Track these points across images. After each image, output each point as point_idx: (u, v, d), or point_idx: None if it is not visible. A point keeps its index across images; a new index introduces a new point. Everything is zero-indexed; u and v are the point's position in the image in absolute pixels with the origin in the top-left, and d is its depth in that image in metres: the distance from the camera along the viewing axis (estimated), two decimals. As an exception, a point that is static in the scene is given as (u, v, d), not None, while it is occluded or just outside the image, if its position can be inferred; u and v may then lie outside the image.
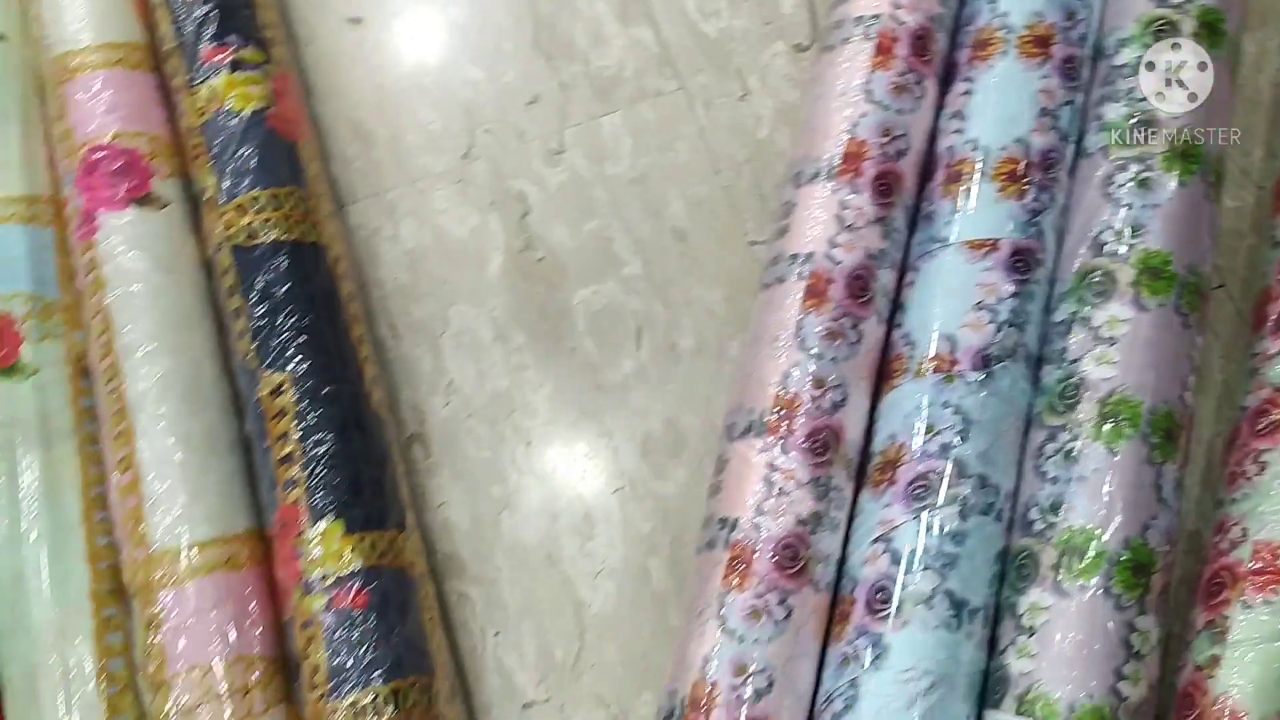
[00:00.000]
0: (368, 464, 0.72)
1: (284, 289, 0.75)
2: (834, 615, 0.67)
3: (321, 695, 0.66)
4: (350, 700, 0.65)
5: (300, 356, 0.73)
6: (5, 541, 0.71)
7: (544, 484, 0.78)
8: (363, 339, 0.77)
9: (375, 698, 0.65)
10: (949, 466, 0.65)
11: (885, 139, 0.73)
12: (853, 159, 0.72)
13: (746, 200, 0.82)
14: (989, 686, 0.64)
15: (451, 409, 0.80)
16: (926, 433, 0.66)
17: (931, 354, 0.68)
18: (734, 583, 0.65)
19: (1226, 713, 0.59)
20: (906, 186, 0.73)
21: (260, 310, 0.74)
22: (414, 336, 0.82)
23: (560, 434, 0.79)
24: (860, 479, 0.69)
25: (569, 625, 0.75)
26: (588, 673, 0.74)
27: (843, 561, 0.68)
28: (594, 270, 0.82)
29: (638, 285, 0.81)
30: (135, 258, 0.76)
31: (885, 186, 0.72)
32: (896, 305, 0.72)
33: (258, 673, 0.68)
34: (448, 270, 0.83)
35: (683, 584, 0.74)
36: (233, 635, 0.68)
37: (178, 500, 0.70)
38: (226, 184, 0.77)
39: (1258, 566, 0.61)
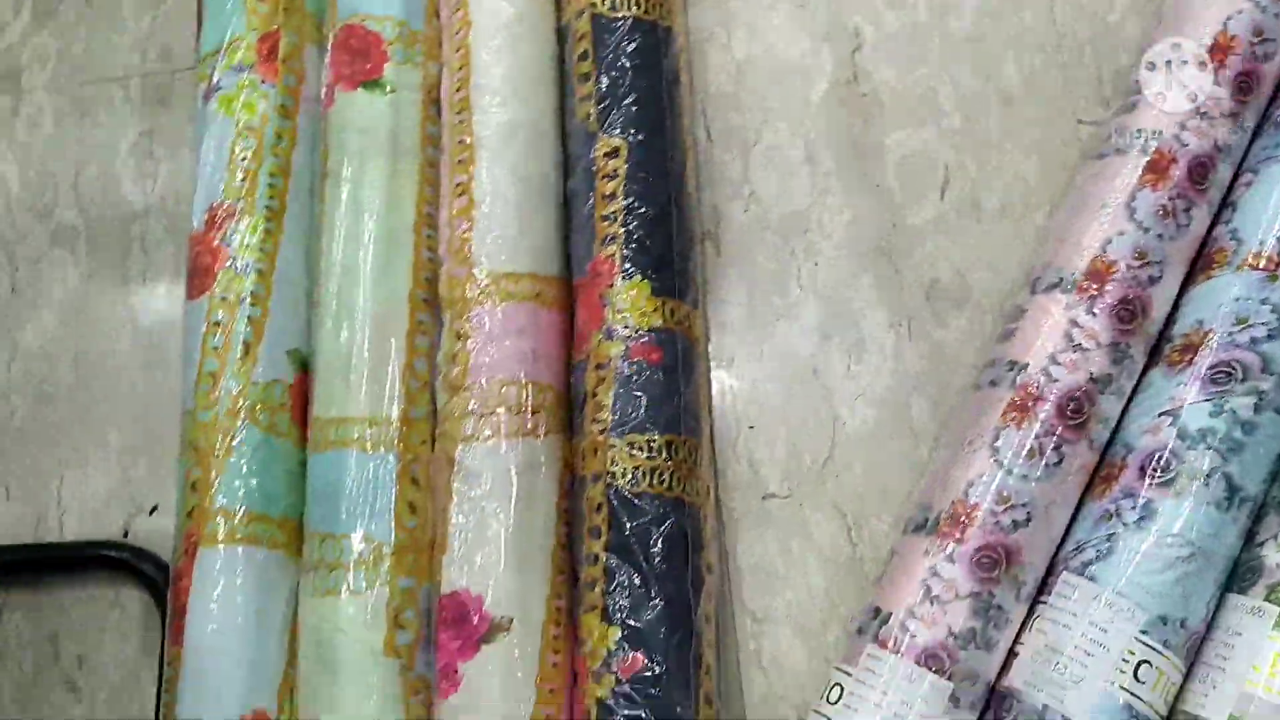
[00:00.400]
0: (680, 240, 0.76)
1: (634, 63, 0.79)
2: (1095, 477, 0.69)
3: (603, 430, 0.71)
4: (629, 439, 0.71)
5: (637, 128, 0.77)
6: (347, 236, 0.77)
7: (824, 304, 0.81)
8: (688, 130, 0.81)
9: (653, 442, 0.70)
10: (1255, 359, 0.66)
11: (1256, 39, 0.73)
12: (1220, 51, 0.72)
13: (1082, 79, 0.82)
14: (1237, 574, 0.66)
15: (749, 216, 0.84)
16: (1237, 324, 0.67)
17: (1258, 251, 0.69)
18: (1013, 420, 0.68)
19: None
20: (1264, 90, 0.73)
21: (608, 79, 0.78)
22: (726, 142, 0.86)
23: (849, 261, 0.82)
24: (1153, 357, 0.71)
25: (821, 436, 0.79)
26: (830, 481, 0.78)
27: (1115, 430, 0.70)
28: (914, 116, 0.84)
29: (954, 139, 0.83)
30: (501, 6, 0.81)
31: (1245, 84, 0.72)
32: (1225, 202, 0.73)
33: (546, 398, 0.74)
34: (771, 88, 0.86)
35: (941, 424, 0.77)
36: (530, 360, 0.74)
37: (505, 231, 0.76)
38: (596, -44, 0.81)
39: None
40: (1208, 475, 0.64)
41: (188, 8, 0.96)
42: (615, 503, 0.70)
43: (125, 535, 0.84)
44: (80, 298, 0.90)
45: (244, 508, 0.73)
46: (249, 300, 0.77)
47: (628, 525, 0.69)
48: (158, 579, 0.80)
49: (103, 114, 0.95)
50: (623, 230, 0.75)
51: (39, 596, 0.83)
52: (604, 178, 0.77)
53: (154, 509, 0.84)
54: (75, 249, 0.92)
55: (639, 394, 0.72)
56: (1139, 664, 0.62)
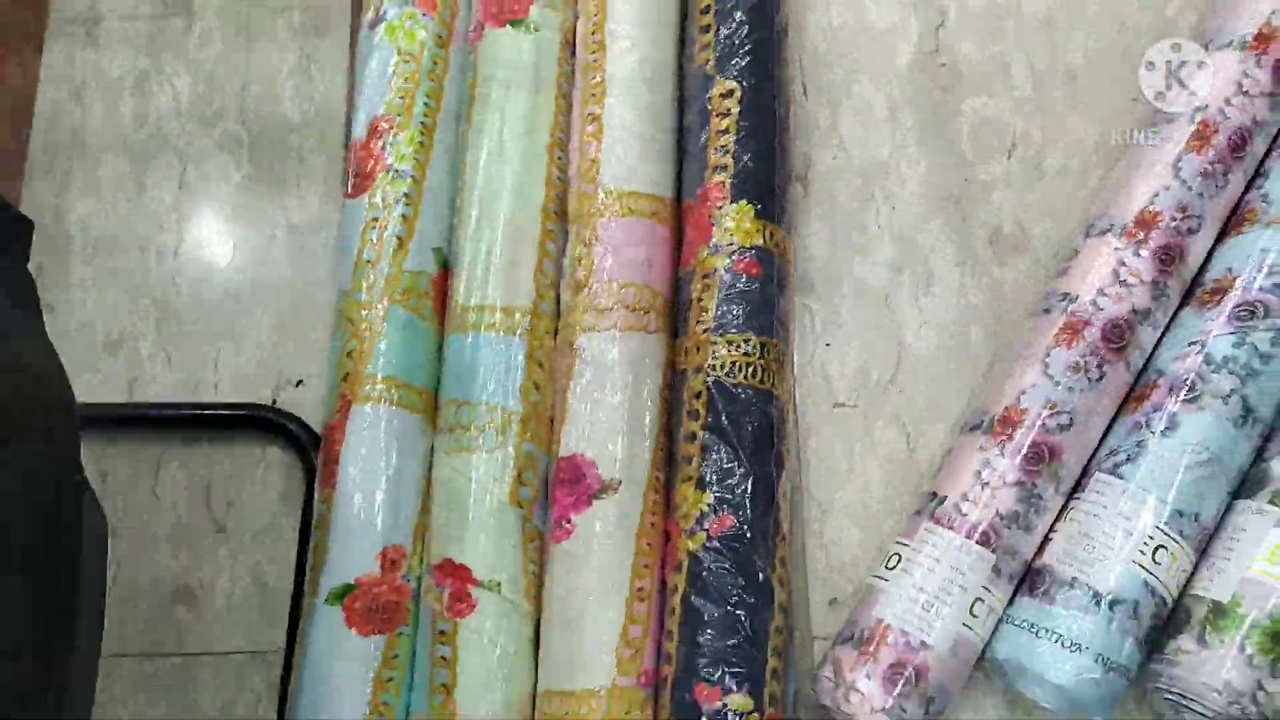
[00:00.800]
0: (780, 174, 0.86)
1: (749, 19, 0.89)
2: (1129, 397, 0.79)
3: (706, 329, 0.82)
4: (728, 338, 0.81)
5: (750, 73, 0.87)
6: (490, 153, 0.87)
7: (898, 242, 0.91)
8: (790, 81, 0.91)
9: (749, 341, 0.81)
10: (1275, 301, 0.76)
11: (1298, 30, 0.82)
12: (1264, 40, 0.82)
13: (1139, 62, 0.92)
14: (1246, 484, 0.75)
15: (836, 163, 0.94)
16: (1262, 271, 0.77)
17: (1286, 211, 0.78)
18: (1063, 340, 0.78)
19: None
20: (1303, 75, 0.83)
21: (726, 30, 0.88)
22: (819, 97, 0.96)
23: (922, 207, 0.92)
24: (1186, 299, 0.80)
25: (888, 356, 0.89)
26: (894, 397, 0.88)
27: (1149, 360, 0.80)
28: (988, 85, 0.94)
29: (1024, 107, 0.93)
30: (634, -39, 0.91)
31: (1286, 69, 0.82)
32: (1259, 171, 0.82)
33: (657, 301, 0.84)
34: (862, 51, 0.96)
35: (995, 352, 0.86)
36: (646, 268, 0.84)
37: (629, 157, 0.86)
38: (720, -75, 0.91)
39: None
40: (1227, 396, 0.74)
41: (346, -50, 1.07)
42: (714, 390, 0.80)
43: (273, 403, 0.94)
44: (240, 197, 1.01)
45: (392, 375, 0.84)
46: (403, 201, 0.87)
47: (724, 410, 0.80)
48: (303, 439, 0.91)
49: (266, 39, 1.06)
50: (733, 160, 0.85)
51: (195, 451, 0.94)
52: (719, 115, 0.87)
53: (299, 382, 0.95)
54: (238, 155, 1.03)
55: (739, 301, 0.82)
56: (1157, 548, 0.72)
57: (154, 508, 0.93)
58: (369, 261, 0.86)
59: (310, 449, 0.90)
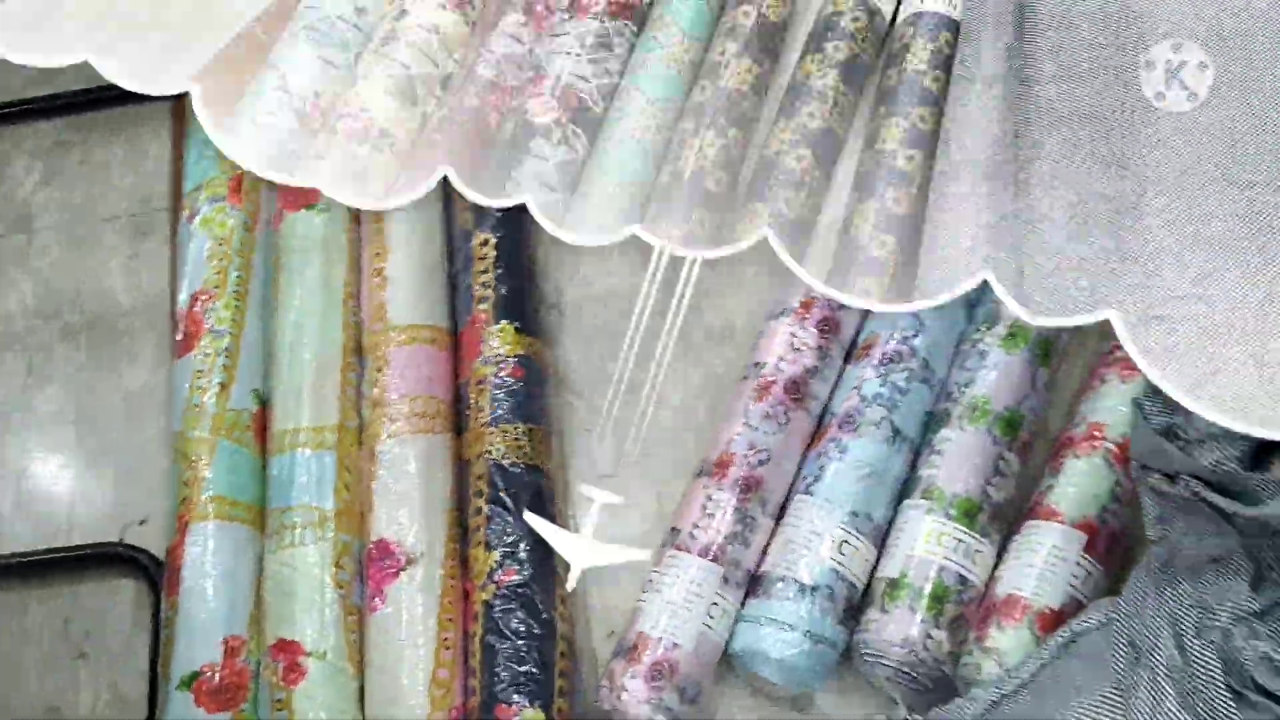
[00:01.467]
0: (531, 300, 1.04)
1: (496, 185, 1.08)
2: (815, 436, 0.97)
3: (484, 423, 0.97)
4: (501, 428, 0.96)
5: (501, 226, 1.06)
6: (298, 310, 1.01)
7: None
8: (534, 232, 1.10)
9: (518, 429, 0.96)
10: (907, 349, 0.96)
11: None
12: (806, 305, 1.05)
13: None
14: (907, 488, 0.93)
15: (580, 293, 1.12)
16: (896, 330, 0.97)
17: (905, 284, 1.00)
18: (757, 397, 0.96)
19: (1053, 510, 0.88)
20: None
21: (479, 195, 1.07)
22: (564, 247, 1.14)
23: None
24: (848, 359, 1.00)
25: (637, 434, 1.05)
26: (644, 464, 1.02)
27: (826, 406, 0.99)
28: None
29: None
30: (403, 151, 1.10)
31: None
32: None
33: (440, 408, 0.99)
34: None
35: (715, 418, 1.04)
36: (428, 383, 0.99)
37: (409, 298, 1.02)
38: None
39: (1085, 435, 0.92)
40: (878, 423, 0.93)
41: (162, 168, 1.22)
42: (493, 470, 0.95)
43: (121, 541, 1.04)
44: (81, 374, 1.13)
45: (221, 495, 0.96)
46: (224, 354, 1.01)
47: (502, 485, 0.94)
48: (150, 568, 1.01)
49: (98, 245, 1.19)
50: (493, 292, 1.02)
51: (54, 590, 1.02)
52: (479, 259, 1.04)
53: (143, 521, 1.05)
54: (78, 340, 1.15)
55: (508, 398, 0.98)
56: (841, 543, 0.89)
57: (22, 642, 1.01)
58: (197, 405, 0.99)
59: (156, 575, 1.00)
